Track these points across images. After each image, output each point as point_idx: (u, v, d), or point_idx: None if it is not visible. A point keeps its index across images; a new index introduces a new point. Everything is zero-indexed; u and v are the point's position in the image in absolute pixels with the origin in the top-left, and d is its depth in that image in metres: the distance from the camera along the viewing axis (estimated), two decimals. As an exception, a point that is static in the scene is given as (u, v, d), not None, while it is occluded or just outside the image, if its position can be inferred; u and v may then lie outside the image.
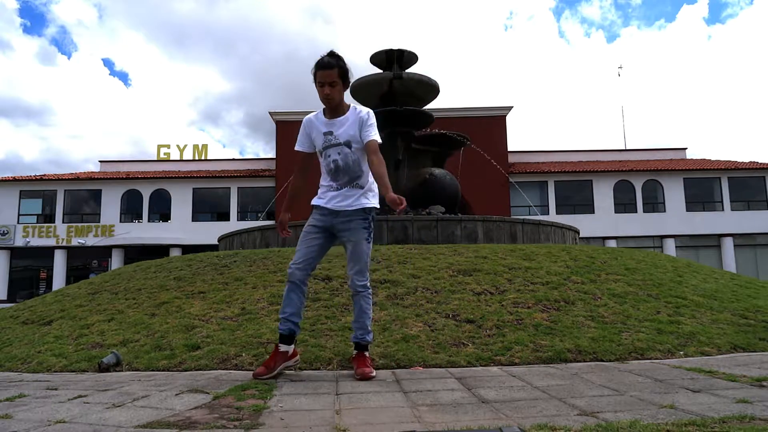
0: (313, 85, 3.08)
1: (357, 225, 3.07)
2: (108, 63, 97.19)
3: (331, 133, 3.06)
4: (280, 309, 3.09)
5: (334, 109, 3.08)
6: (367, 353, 3.08)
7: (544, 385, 2.70)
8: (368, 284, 3.10)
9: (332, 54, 3.04)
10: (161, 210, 29.70)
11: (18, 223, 28.81)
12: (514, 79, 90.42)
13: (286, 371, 3.10)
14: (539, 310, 4.22)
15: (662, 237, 28.15)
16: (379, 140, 3.07)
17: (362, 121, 3.05)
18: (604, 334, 3.74)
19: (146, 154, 65.15)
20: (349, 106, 3.13)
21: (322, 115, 3.12)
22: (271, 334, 3.71)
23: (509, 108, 29.55)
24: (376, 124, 3.10)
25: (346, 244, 3.11)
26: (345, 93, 3.12)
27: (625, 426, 1.88)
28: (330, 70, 2.98)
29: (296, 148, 3.20)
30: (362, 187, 3.11)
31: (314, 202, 3.16)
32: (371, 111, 3.13)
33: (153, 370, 3.37)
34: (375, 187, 3.13)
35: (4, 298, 27.16)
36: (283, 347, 3.03)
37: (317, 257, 3.13)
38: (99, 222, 29.02)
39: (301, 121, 3.24)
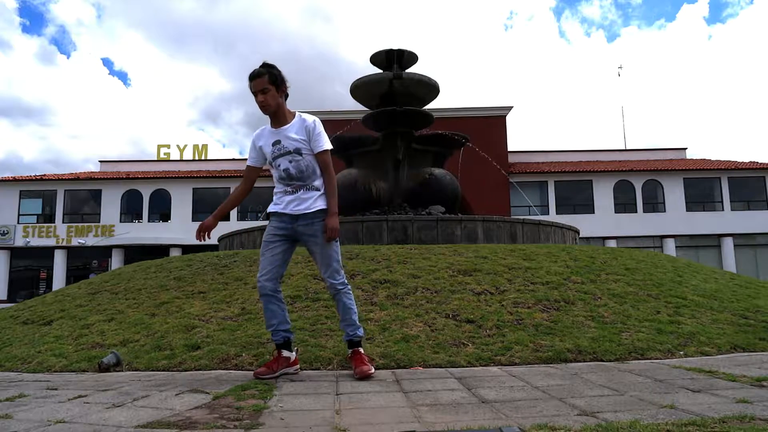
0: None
1: (320, 227, 3.06)
2: (107, 62, 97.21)
3: (278, 142, 3.07)
4: (266, 323, 3.10)
5: (275, 116, 3.10)
6: (361, 349, 3.08)
7: (544, 385, 2.70)
8: (345, 280, 3.11)
9: (263, 64, 3.08)
10: (161, 210, 29.68)
11: (18, 223, 28.78)
12: (514, 79, 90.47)
13: (287, 371, 3.11)
14: (539, 310, 4.22)
15: (662, 237, 28.13)
16: (330, 146, 3.10)
17: (309, 130, 3.07)
18: (604, 334, 3.74)
19: (146, 154, 65.17)
20: (294, 113, 3.14)
21: (269, 126, 3.14)
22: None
23: (509, 108, 29.52)
24: (324, 131, 3.12)
25: (312, 247, 3.10)
26: (287, 100, 3.14)
27: (625, 426, 1.88)
28: (260, 78, 3.02)
29: (248, 163, 3.23)
30: (318, 189, 3.10)
31: (271, 209, 3.15)
32: (317, 119, 3.13)
33: (153, 370, 3.37)
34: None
35: (4, 298, 27.14)
36: (285, 353, 3.06)
37: (282, 265, 3.13)
38: (99, 222, 29.00)
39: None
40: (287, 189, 3.10)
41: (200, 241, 3.19)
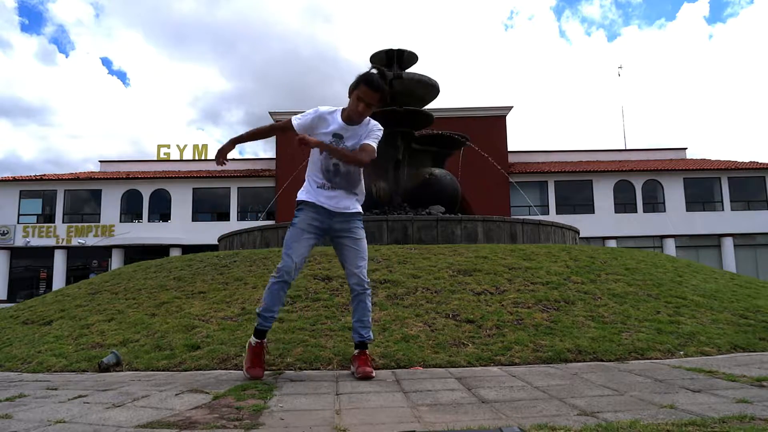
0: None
1: (357, 224, 3.12)
2: (106, 62, 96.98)
3: (341, 137, 3.00)
4: (266, 306, 2.99)
5: (360, 120, 3.03)
6: (367, 351, 3.10)
7: (544, 385, 2.70)
8: None
9: (383, 75, 2.99)
10: (161, 210, 29.70)
11: (18, 223, 28.80)
12: (514, 79, 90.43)
13: (287, 371, 3.11)
14: (539, 310, 4.22)
15: (662, 237, 28.15)
16: (375, 147, 3.02)
17: (370, 130, 3.04)
18: (604, 334, 3.74)
19: (146, 154, 65.12)
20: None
21: (339, 116, 3.03)
22: (271, 333, 3.71)
23: (509, 108, 29.55)
24: (380, 138, 3.09)
25: (345, 242, 3.09)
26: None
27: (625, 426, 1.88)
28: (377, 93, 2.94)
29: (294, 123, 3.03)
30: (357, 194, 3.15)
31: (306, 198, 3.06)
32: (381, 128, 3.12)
33: (153, 370, 3.37)
34: (363, 191, 3.19)
35: (4, 298, 27.15)
36: (264, 341, 3.06)
37: (307, 256, 3.14)
38: (99, 222, 29.02)
39: None
40: (326, 184, 3.04)
41: (219, 165, 3.21)
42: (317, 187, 3.06)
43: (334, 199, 3.05)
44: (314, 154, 3.08)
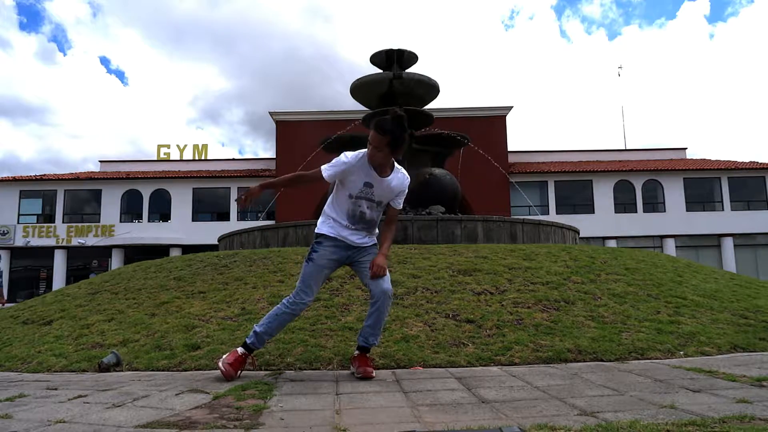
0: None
1: (374, 248, 3.14)
2: (104, 61, 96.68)
3: (371, 186, 2.99)
4: (266, 329, 3.03)
5: (380, 165, 2.99)
6: (368, 354, 3.11)
7: (544, 385, 2.70)
8: None
9: (395, 118, 2.91)
10: (161, 210, 29.69)
11: (18, 223, 28.79)
12: (514, 79, 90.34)
13: (287, 371, 3.12)
14: (539, 310, 4.23)
15: (662, 237, 28.14)
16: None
17: (402, 191, 3.09)
18: (604, 334, 3.74)
19: (146, 154, 65.08)
20: (393, 164, 3.06)
21: (367, 163, 2.97)
22: (271, 334, 3.71)
23: (509, 108, 29.53)
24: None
25: (366, 263, 3.08)
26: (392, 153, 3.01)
27: (625, 426, 1.88)
28: (384, 137, 2.89)
29: (326, 176, 2.97)
30: (375, 232, 3.19)
31: (328, 232, 3.06)
32: (409, 179, 3.13)
33: (153, 370, 3.37)
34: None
35: (5, 298, 27.13)
36: (250, 356, 3.08)
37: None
38: (99, 222, 29.01)
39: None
40: (349, 226, 3.06)
41: (240, 207, 3.25)
42: (340, 227, 3.07)
43: (356, 236, 3.08)
44: (341, 195, 3.06)
